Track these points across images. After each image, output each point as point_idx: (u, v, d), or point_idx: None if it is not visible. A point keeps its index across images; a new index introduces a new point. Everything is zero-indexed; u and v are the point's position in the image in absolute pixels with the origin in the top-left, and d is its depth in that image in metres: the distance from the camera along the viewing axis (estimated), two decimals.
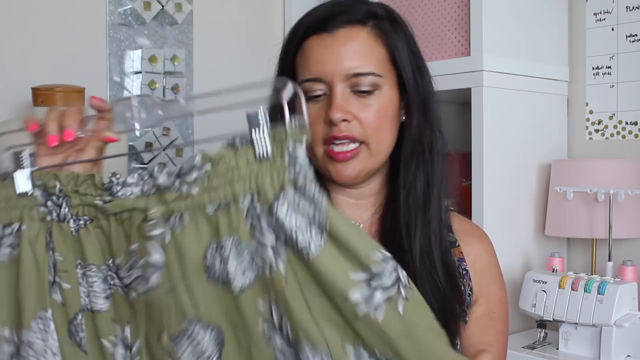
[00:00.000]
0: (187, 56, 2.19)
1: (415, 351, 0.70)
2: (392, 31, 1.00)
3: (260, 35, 2.39)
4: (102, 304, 0.77)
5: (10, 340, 0.77)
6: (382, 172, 1.06)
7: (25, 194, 0.78)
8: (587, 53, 2.10)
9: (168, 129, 2.15)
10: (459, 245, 1.06)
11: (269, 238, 0.69)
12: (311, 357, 0.69)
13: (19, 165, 0.79)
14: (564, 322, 1.71)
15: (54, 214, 0.78)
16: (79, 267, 0.77)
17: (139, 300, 0.75)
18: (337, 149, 0.97)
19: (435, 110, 1.03)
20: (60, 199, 0.78)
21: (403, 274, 0.70)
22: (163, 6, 2.13)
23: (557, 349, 1.74)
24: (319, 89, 0.97)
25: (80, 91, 1.84)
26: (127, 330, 0.77)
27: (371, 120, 0.97)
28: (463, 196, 2.15)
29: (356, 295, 0.69)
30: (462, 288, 1.03)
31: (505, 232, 1.93)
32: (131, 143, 2.05)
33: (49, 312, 0.76)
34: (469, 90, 1.84)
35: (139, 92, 2.12)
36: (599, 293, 1.64)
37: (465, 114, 1.92)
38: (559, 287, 1.71)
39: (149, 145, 2.08)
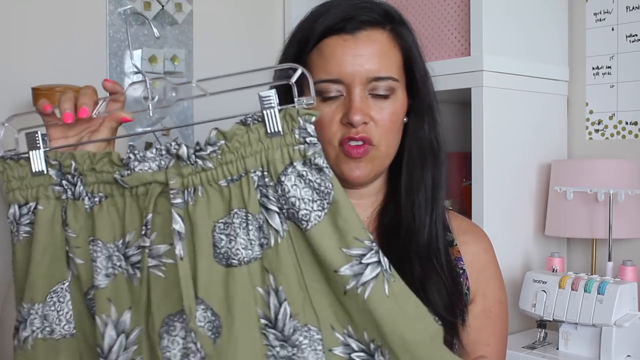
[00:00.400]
0: (187, 56, 2.19)
1: (403, 333, 0.72)
2: (405, 34, 1.02)
3: (260, 35, 2.39)
4: (101, 280, 0.78)
5: (24, 309, 0.80)
6: (383, 173, 1.06)
7: (40, 173, 0.80)
8: (587, 53, 2.10)
9: (168, 129, 2.15)
10: (456, 245, 1.06)
11: (276, 207, 0.74)
12: (304, 341, 0.72)
13: (33, 145, 0.80)
14: (564, 322, 1.71)
15: (69, 193, 0.80)
16: (91, 243, 0.79)
17: (144, 279, 0.76)
18: (351, 144, 0.98)
19: (439, 112, 1.05)
20: (75, 178, 0.79)
21: (385, 260, 0.74)
22: (163, 6, 2.13)
23: (557, 349, 1.74)
24: (335, 89, 0.97)
25: None
26: (127, 315, 0.77)
27: (386, 124, 0.98)
28: (463, 196, 2.15)
29: (346, 269, 0.72)
30: (459, 287, 1.03)
31: (505, 232, 1.93)
32: (131, 143, 2.05)
33: (66, 284, 0.80)
34: (469, 90, 1.84)
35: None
36: (599, 293, 1.64)
37: (465, 114, 1.92)
38: (559, 287, 1.71)
39: (149, 146, 2.08)
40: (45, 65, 1.98)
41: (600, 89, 2.08)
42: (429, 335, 0.73)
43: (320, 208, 0.73)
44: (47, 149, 0.81)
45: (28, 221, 0.81)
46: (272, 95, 0.74)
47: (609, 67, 2.07)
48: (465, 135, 1.92)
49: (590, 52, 2.10)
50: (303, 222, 0.73)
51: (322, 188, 0.74)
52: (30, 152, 0.81)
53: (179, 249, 0.73)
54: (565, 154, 2.12)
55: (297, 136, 0.74)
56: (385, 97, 0.98)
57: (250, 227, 0.74)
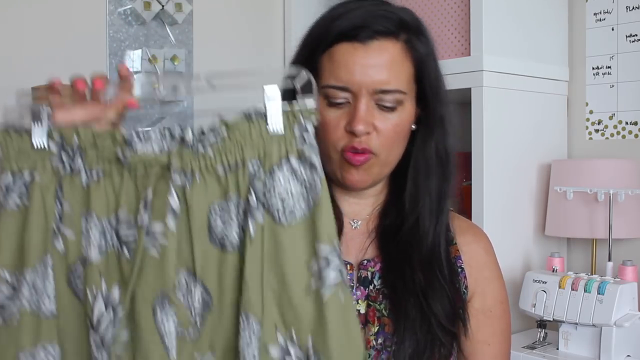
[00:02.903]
0: (187, 56, 2.19)
1: (342, 345, 0.75)
2: (420, 45, 1.01)
3: (260, 35, 2.39)
4: (94, 255, 0.79)
5: (10, 282, 0.80)
6: (384, 178, 1.07)
7: (40, 148, 0.80)
8: (587, 53, 2.10)
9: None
10: (455, 244, 1.06)
11: (260, 200, 0.76)
12: (242, 330, 0.74)
13: (37, 119, 0.81)
14: (564, 322, 1.71)
15: (67, 167, 0.80)
16: (84, 218, 0.80)
17: (138, 256, 0.77)
18: (352, 153, 0.98)
19: (449, 120, 1.05)
20: (76, 154, 0.80)
21: (343, 270, 0.76)
22: (163, 6, 2.13)
23: (557, 349, 1.74)
24: (342, 96, 0.97)
25: None
26: (115, 292, 0.79)
27: (389, 134, 0.98)
28: (463, 196, 2.15)
29: (315, 267, 0.75)
30: (457, 286, 1.03)
31: (505, 232, 1.93)
32: None
33: (49, 259, 0.79)
34: (469, 90, 1.84)
35: (139, 93, 2.12)
36: (599, 293, 1.64)
37: (465, 114, 1.92)
38: (559, 287, 1.71)
39: None
40: (45, 65, 1.98)
41: (600, 89, 2.08)
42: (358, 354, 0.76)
43: (306, 205, 0.76)
44: (51, 126, 0.81)
45: (18, 192, 0.80)
46: (276, 91, 0.76)
47: (609, 67, 2.07)
48: (465, 135, 1.92)
49: (590, 52, 2.10)
50: (288, 216, 0.75)
51: (311, 186, 0.76)
52: (33, 126, 0.81)
53: (172, 225, 0.76)
54: (565, 154, 2.12)
55: (296, 133, 0.77)
56: (391, 109, 0.98)
57: (241, 215, 0.76)
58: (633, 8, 2.01)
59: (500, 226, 1.89)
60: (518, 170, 1.95)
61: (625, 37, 2.03)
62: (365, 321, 0.99)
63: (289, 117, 0.77)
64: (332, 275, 0.75)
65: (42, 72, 1.96)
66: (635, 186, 1.87)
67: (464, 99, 1.92)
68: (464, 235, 1.08)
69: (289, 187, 0.76)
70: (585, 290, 1.66)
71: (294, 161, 0.76)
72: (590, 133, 2.11)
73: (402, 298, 0.97)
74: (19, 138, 0.81)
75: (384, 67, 0.97)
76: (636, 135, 2.02)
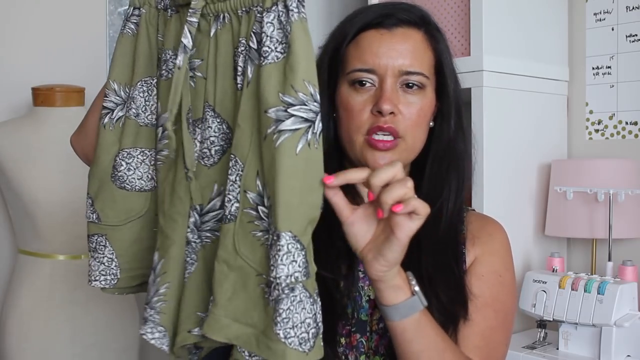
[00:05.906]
0: None
1: (292, 201, 0.75)
2: (439, 39, 1.07)
3: None
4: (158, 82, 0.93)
5: (117, 93, 0.95)
6: (406, 170, 1.07)
7: None
8: (587, 53, 2.11)
9: None
10: (464, 232, 1.08)
11: (254, 42, 0.80)
12: (230, 170, 0.80)
13: None
14: (564, 322, 1.71)
15: (162, 3, 0.93)
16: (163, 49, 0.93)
17: (176, 89, 0.87)
18: (378, 138, 1.01)
19: (465, 118, 1.12)
20: None
21: (318, 126, 0.76)
22: None
23: (557, 349, 1.75)
24: (368, 78, 1.01)
25: (80, 91, 1.84)
26: (160, 109, 0.91)
27: (412, 117, 1.01)
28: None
29: (272, 112, 0.76)
30: (463, 274, 1.04)
31: None
32: None
33: (154, 80, 0.94)
34: (469, 90, 1.84)
35: None
36: (599, 293, 1.64)
37: (465, 114, 1.92)
38: (559, 287, 1.71)
39: None
40: (45, 65, 1.99)
41: (600, 89, 2.08)
42: (310, 210, 0.76)
43: (281, 51, 0.77)
44: None
45: (135, 21, 0.95)
46: None
47: (609, 67, 2.07)
48: None
49: (590, 52, 2.10)
50: (261, 58, 0.78)
51: (288, 33, 0.77)
52: None
53: (180, 60, 0.83)
54: (565, 154, 2.12)
55: None
56: (415, 90, 1.02)
57: (245, 58, 0.81)
58: (633, 8, 2.01)
59: None
60: (518, 170, 1.95)
61: (625, 37, 2.03)
62: (374, 306, 1.01)
63: None
64: (288, 122, 0.74)
65: (42, 71, 1.97)
66: (635, 186, 1.87)
67: (464, 99, 1.92)
68: (474, 235, 1.08)
69: (270, 31, 0.77)
70: (585, 290, 1.66)
71: (281, 7, 0.77)
72: (590, 133, 2.11)
73: None
74: None
75: (409, 52, 1.01)
76: (636, 135, 2.02)
